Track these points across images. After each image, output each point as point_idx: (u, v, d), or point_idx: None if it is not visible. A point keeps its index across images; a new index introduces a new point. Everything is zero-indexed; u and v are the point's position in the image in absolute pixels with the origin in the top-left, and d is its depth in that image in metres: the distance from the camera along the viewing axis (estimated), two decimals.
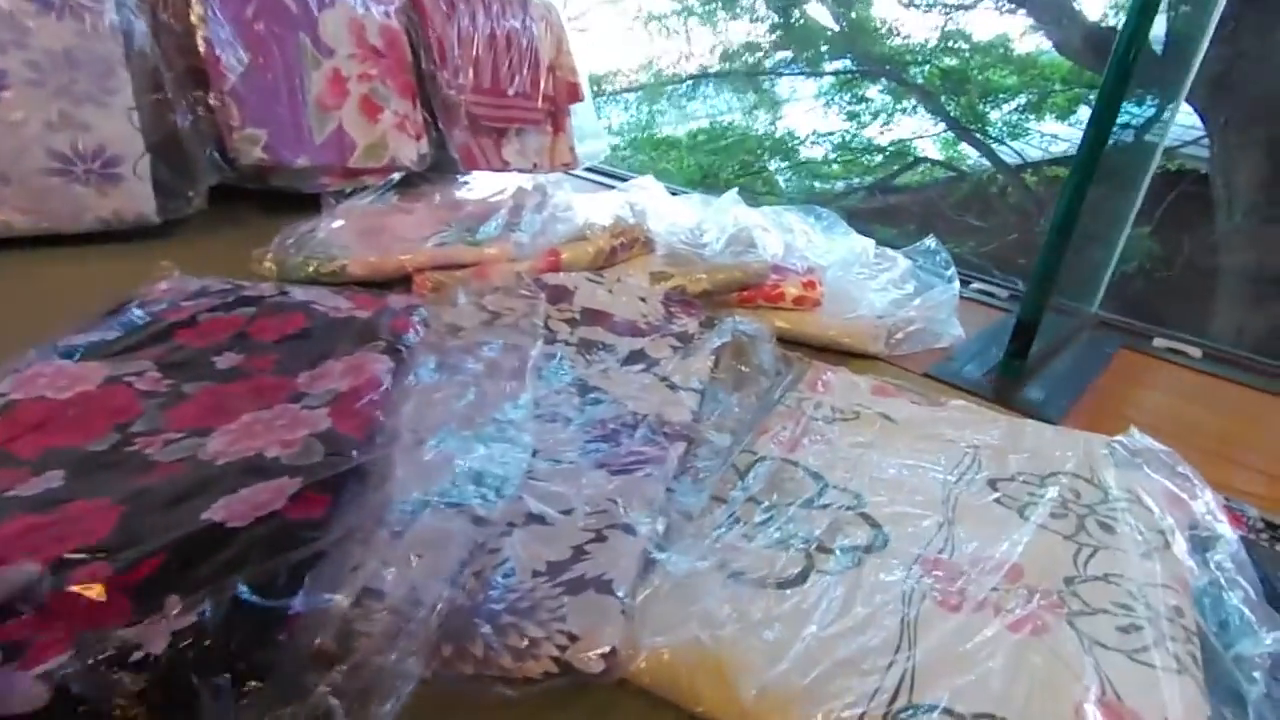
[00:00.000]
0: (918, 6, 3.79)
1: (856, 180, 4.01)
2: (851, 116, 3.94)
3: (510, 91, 1.10)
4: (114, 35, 0.73)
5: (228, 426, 0.46)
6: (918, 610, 0.39)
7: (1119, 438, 0.56)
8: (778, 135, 4.08)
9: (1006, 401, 0.70)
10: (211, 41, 0.78)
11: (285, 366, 0.53)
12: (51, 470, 0.41)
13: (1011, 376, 0.74)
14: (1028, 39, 3.60)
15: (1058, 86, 3.68)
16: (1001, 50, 3.76)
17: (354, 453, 0.43)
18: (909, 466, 0.56)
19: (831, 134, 3.95)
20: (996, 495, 0.51)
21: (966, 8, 3.62)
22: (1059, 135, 3.66)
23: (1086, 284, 0.90)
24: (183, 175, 0.82)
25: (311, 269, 0.78)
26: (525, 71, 1.11)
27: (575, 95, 1.19)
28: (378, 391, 0.50)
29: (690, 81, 4.14)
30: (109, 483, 0.40)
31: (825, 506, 0.50)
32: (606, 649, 0.35)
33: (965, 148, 3.87)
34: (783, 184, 4.01)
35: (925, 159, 3.94)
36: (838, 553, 0.45)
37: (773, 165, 4.06)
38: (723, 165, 3.98)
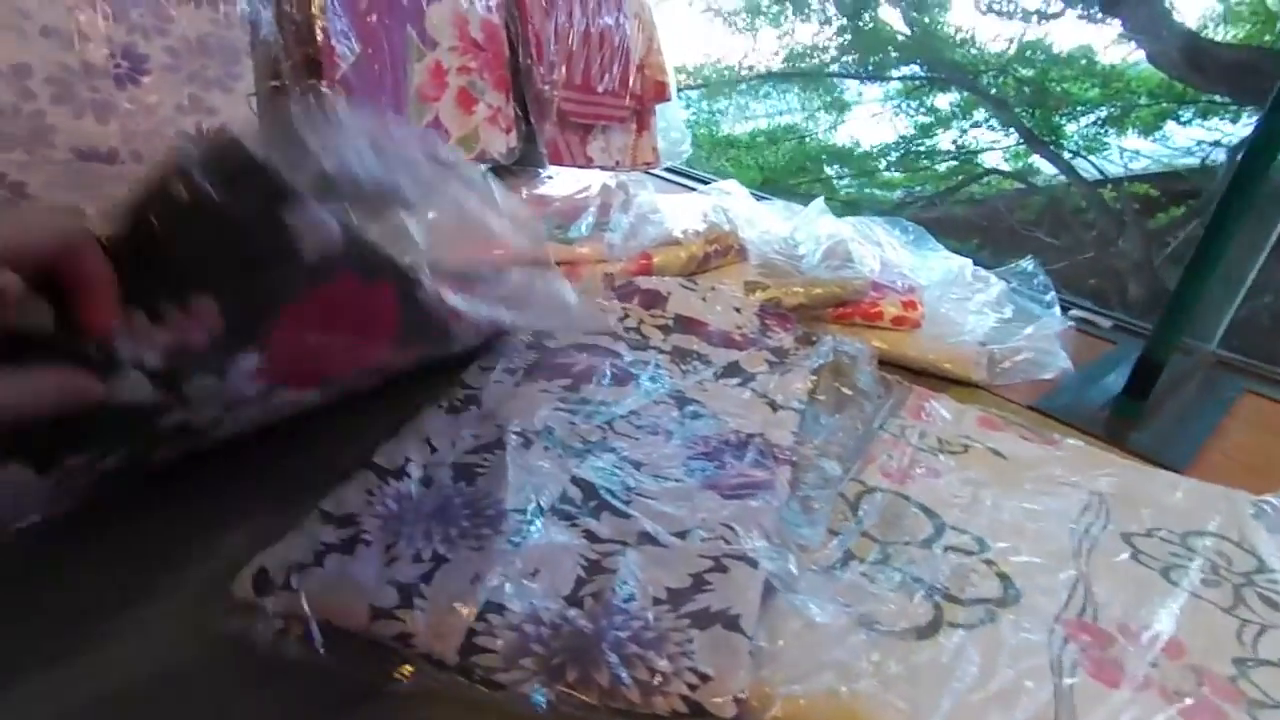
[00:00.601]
0: (997, 13, 3.67)
1: (917, 189, 3.92)
2: (919, 125, 3.84)
3: (600, 88, 1.09)
4: (243, 24, 0.74)
5: None
6: (1071, 682, 0.36)
7: (1269, 497, 0.52)
8: (840, 140, 4.00)
9: (1123, 443, 0.66)
10: (329, 31, 0.78)
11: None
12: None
13: (1129, 417, 0.70)
14: (1113, 50, 3.46)
15: (1143, 100, 3.53)
16: (1084, 62, 3.62)
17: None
18: (1029, 510, 0.53)
19: (897, 142, 3.86)
20: (1132, 552, 0.48)
21: (1051, 16, 3.49)
22: (1140, 151, 3.52)
23: (1207, 320, 0.85)
24: None
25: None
26: (615, 69, 1.10)
27: (662, 95, 1.16)
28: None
29: (754, 81, 4.09)
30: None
31: (946, 550, 0.47)
32: (740, 693, 0.34)
33: (1037, 160, 3.74)
34: (841, 191, 3.94)
35: (993, 170, 3.82)
36: (967, 603, 0.42)
37: (832, 170, 3.99)
38: (782, 167, 3.92)
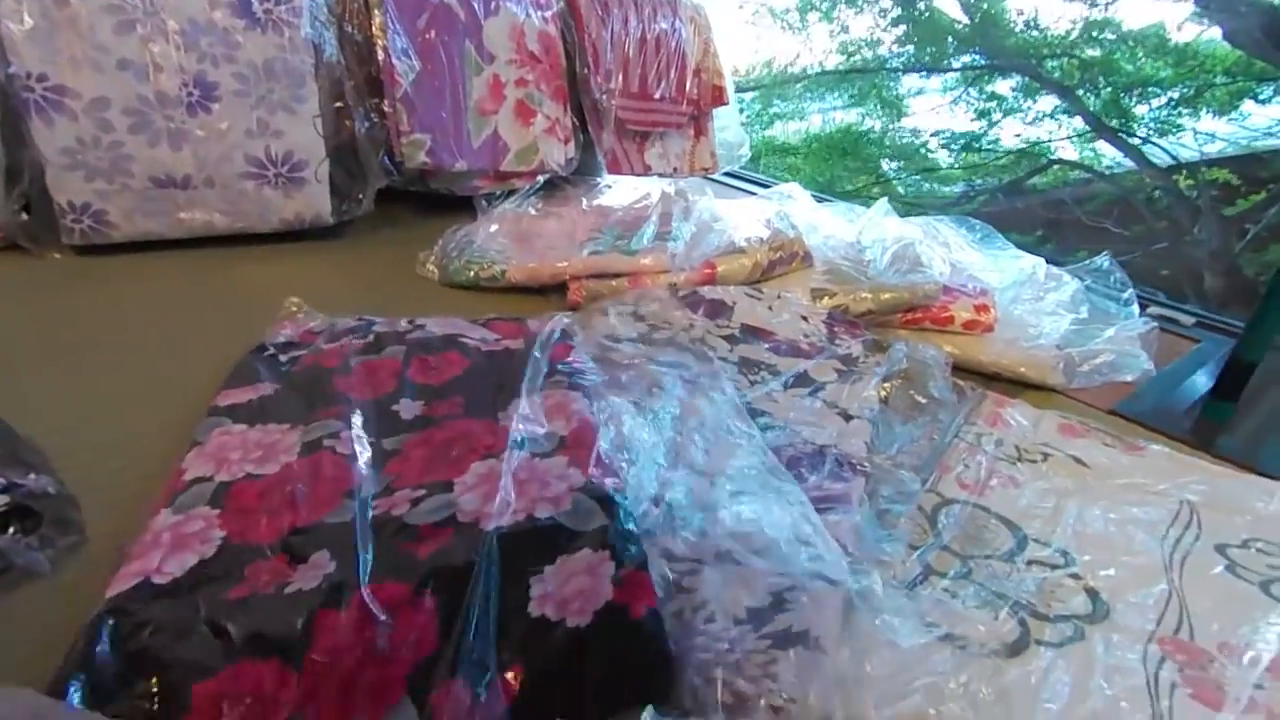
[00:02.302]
0: None
1: (979, 182, 3.80)
2: (980, 114, 3.72)
3: (657, 95, 1.09)
4: (307, 47, 0.77)
5: (463, 479, 0.43)
6: (1169, 703, 0.35)
7: None
8: (898, 136, 3.91)
9: (1212, 449, 0.63)
10: (389, 50, 0.81)
11: (475, 408, 0.52)
12: (313, 552, 0.38)
13: (1218, 420, 0.67)
14: (1187, 28, 3.29)
15: (1219, 79, 3.35)
16: (1155, 39, 3.45)
17: (620, 507, 0.41)
18: (1115, 521, 0.51)
19: (957, 135, 3.75)
20: (1227, 564, 0.46)
21: None
22: (1217, 133, 3.34)
23: None
24: (355, 179, 0.86)
25: (472, 274, 0.80)
26: (672, 74, 1.10)
27: (720, 99, 1.16)
28: (597, 433, 0.48)
29: (808, 81, 4.02)
30: (387, 559, 0.38)
31: (1029, 564, 0.46)
32: (824, 714, 0.34)
33: (1104, 147, 3.59)
34: (901, 189, 3.85)
35: (1059, 160, 3.68)
36: (1054, 620, 0.41)
37: (890, 165, 3.90)
38: (840, 170, 3.85)
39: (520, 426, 0.48)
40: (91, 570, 0.40)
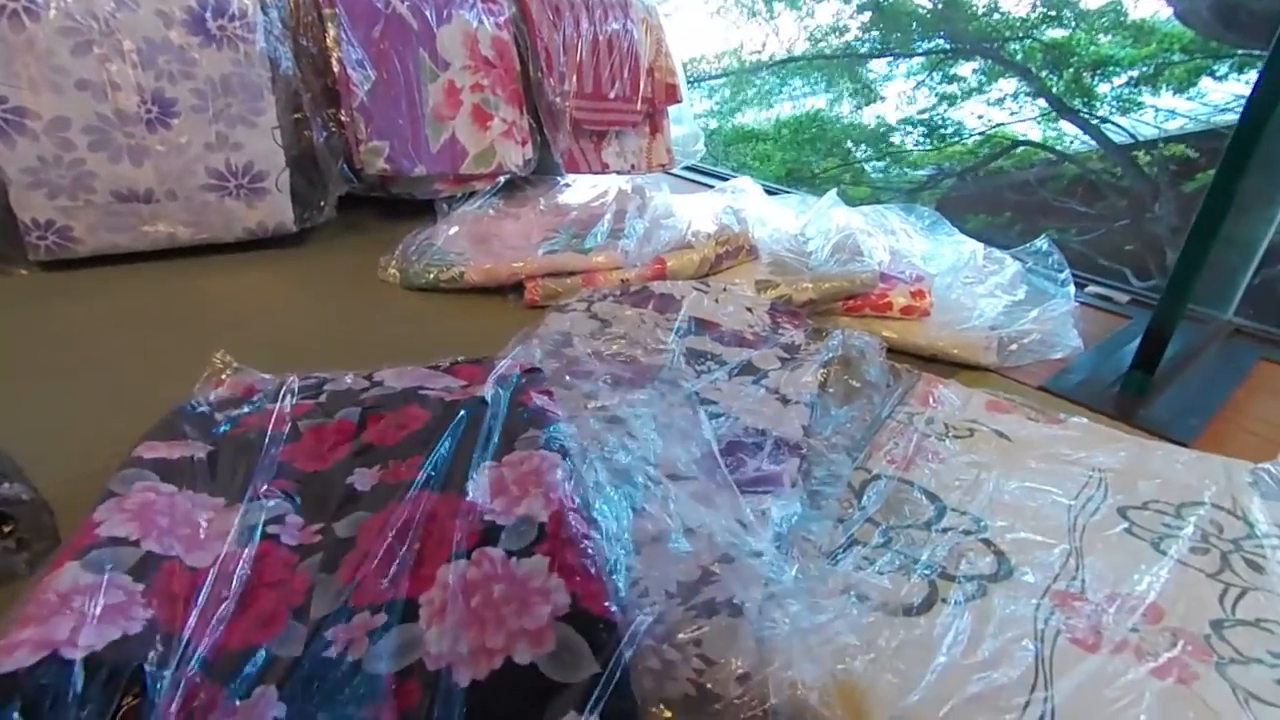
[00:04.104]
0: None
1: (947, 165, 3.86)
2: (944, 97, 3.78)
3: (611, 95, 1.12)
4: (263, 61, 0.79)
5: (429, 595, 0.37)
6: (1052, 647, 0.39)
7: (1265, 464, 0.53)
8: (865, 121, 3.95)
9: (1131, 419, 0.68)
10: (344, 62, 0.83)
11: (437, 475, 0.45)
12: (257, 688, 0.33)
13: (1137, 391, 0.71)
14: (1145, 4, 3.36)
15: (1177, 57, 3.42)
16: (1113, 17, 3.51)
17: (617, 644, 0.35)
18: (1029, 490, 0.55)
19: (922, 118, 3.80)
20: (1127, 525, 0.50)
21: None
22: (1176, 110, 3.41)
23: (1221, 287, 0.85)
24: (316, 187, 0.88)
25: (431, 276, 0.83)
26: (625, 74, 1.13)
27: (674, 96, 1.19)
28: (581, 519, 0.42)
29: (775, 67, 4.06)
30: None
31: (945, 530, 0.50)
32: (742, 672, 0.37)
33: (1067, 127, 3.65)
34: (871, 173, 3.90)
35: (1023, 141, 3.74)
36: (961, 580, 0.45)
37: (860, 153, 3.94)
38: (809, 155, 3.89)
39: (491, 505, 0.42)
40: None
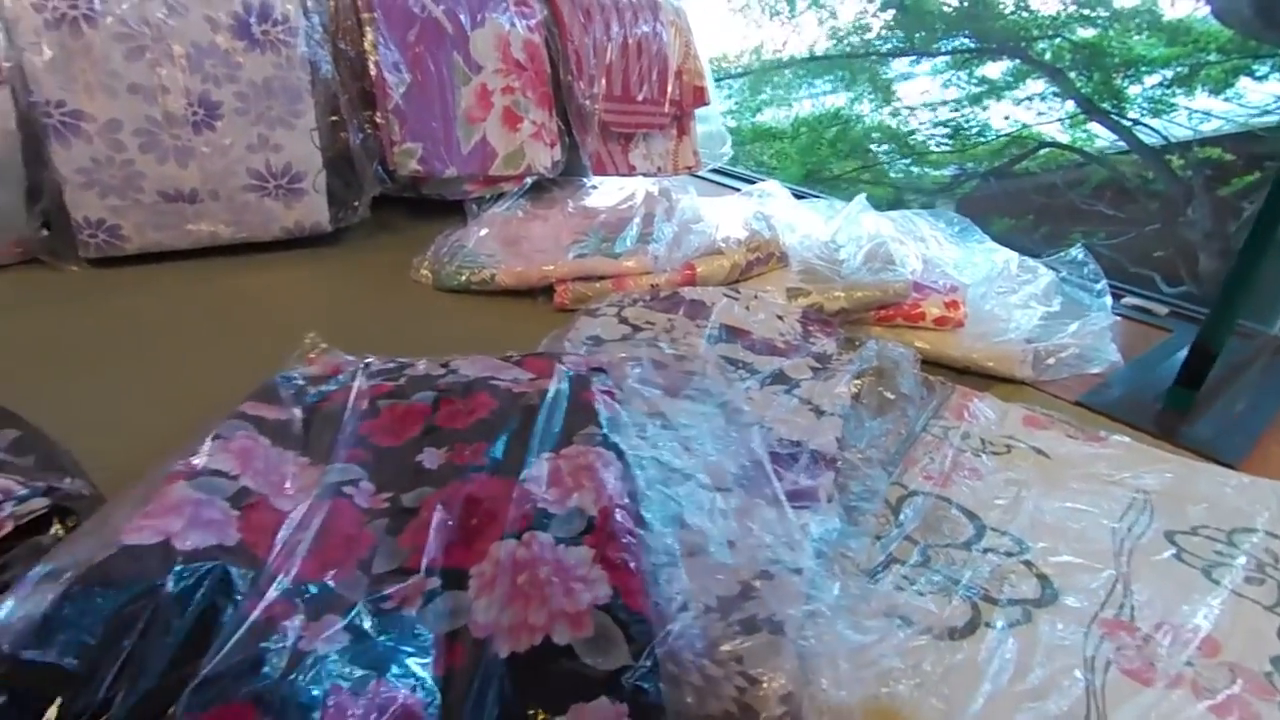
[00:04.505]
0: None
1: (970, 166, 3.81)
2: (970, 98, 3.73)
3: (639, 97, 1.12)
4: (304, 65, 0.81)
5: (480, 567, 0.40)
6: (1104, 679, 0.38)
7: None
8: (888, 121, 3.91)
9: (1174, 438, 0.66)
10: (380, 64, 0.84)
11: (499, 460, 0.48)
12: (325, 614, 0.37)
13: (1180, 409, 0.70)
14: (1181, 3, 3.29)
15: (1213, 57, 3.35)
16: (1148, 17, 3.44)
17: (650, 641, 0.36)
18: (1071, 510, 0.54)
19: (946, 118, 3.76)
20: (1175, 551, 0.49)
21: None
22: (1212, 112, 3.34)
23: (1267, 301, 0.83)
24: (351, 187, 0.89)
25: (464, 278, 0.83)
26: (654, 77, 1.12)
27: (701, 99, 1.18)
28: (629, 517, 0.43)
29: (796, 66, 4.03)
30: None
31: (986, 551, 0.49)
32: (786, 692, 0.37)
33: (1096, 129, 3.59)
34: (892, 174, 3.86)
35: (1050, 143, 3.69)
36: (1004, 604, 0.44)
37: (880, 151, 3.91)
38: (828, 154, 3.86)
39: (544, 494, 0.44)
40: None
